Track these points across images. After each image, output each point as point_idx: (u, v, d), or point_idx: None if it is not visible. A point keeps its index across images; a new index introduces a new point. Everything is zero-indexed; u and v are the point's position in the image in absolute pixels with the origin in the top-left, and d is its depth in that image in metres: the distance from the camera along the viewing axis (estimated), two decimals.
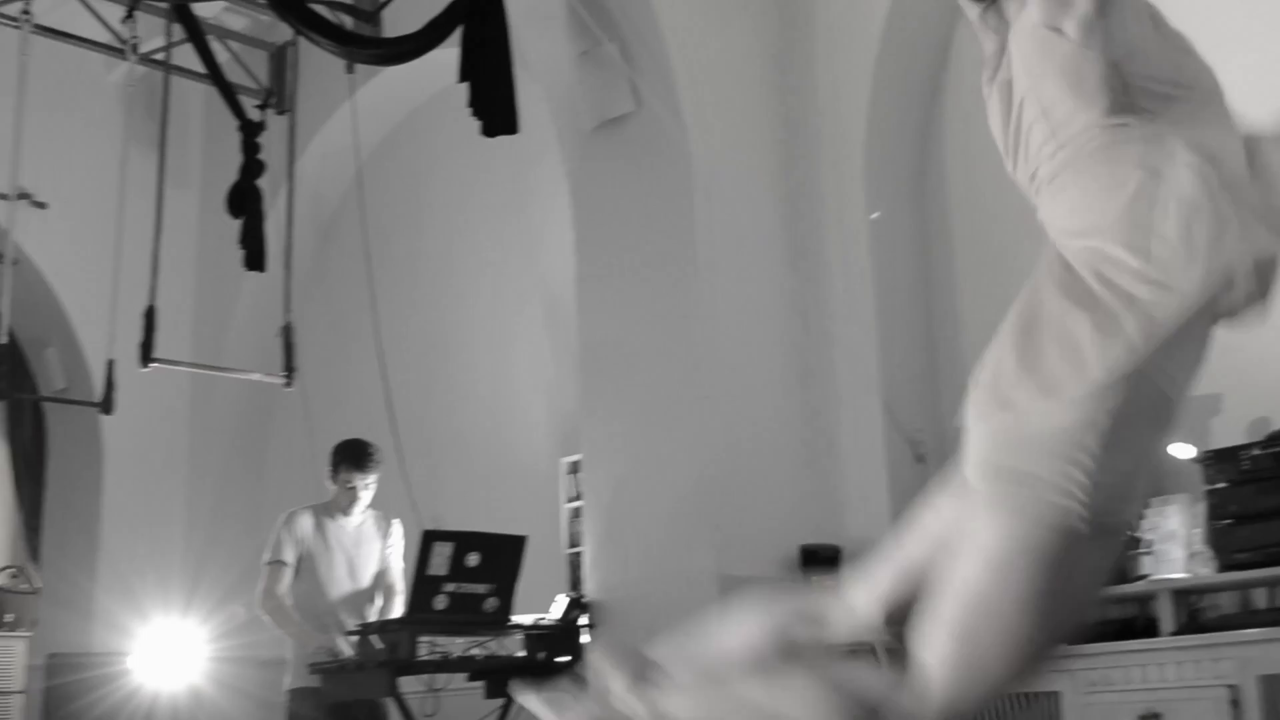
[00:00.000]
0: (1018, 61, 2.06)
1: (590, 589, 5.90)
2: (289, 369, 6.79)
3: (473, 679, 5.31)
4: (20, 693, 6.96)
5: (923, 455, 5.82)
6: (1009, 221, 5.84)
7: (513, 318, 7.39)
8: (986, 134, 6.42)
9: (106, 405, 6.65)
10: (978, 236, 6.00)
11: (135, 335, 6.49)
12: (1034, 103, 2.04)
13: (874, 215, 5.74)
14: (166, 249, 6.91)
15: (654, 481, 5.70)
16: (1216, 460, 4.86)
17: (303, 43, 6.66)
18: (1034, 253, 5.94)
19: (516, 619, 5.37)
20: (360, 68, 6.87)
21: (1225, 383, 5.16)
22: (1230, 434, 5.04)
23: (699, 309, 5.64)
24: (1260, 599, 4.98)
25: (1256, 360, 5.06)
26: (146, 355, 6.51)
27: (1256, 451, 4.79)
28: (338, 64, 6.73)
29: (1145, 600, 5.08)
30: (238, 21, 8.27)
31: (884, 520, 5.69)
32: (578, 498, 6.49)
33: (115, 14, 7.40)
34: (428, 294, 7.86)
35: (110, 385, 6.61)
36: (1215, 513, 4.84)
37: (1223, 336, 5.24)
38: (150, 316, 6.54)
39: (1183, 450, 5.10)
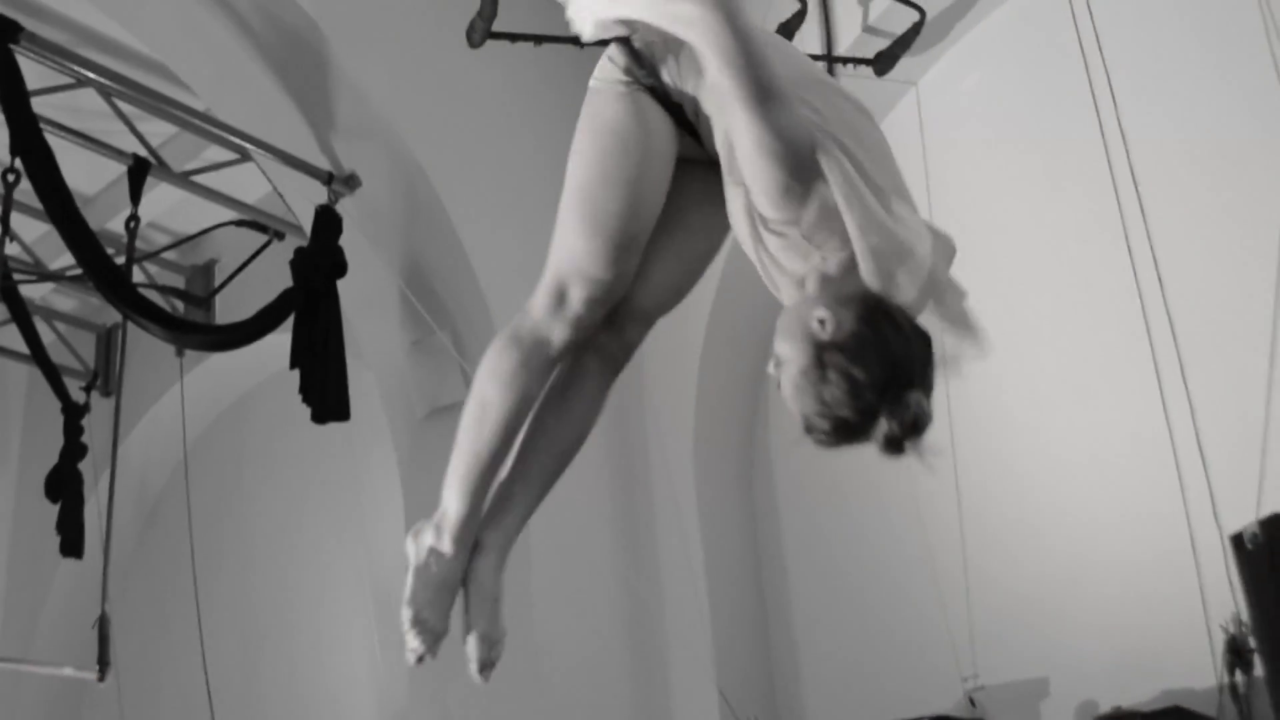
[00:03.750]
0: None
1: None
2: (103, 663, 6.45)
3: None
4: None
5: None
6: (834, 504, 5.97)
7: (342, 608, 7.20)
8: None
9: None
10: (805, 519, 6.09)
11: None
12: None
13: None
14: None
15: None
16: None
17: (131, 325, 6.61)
18: (860, 547, 5.99)
19: None
20: (190, 351, 6.83)
21: (1052, 666, 5.26)
22: (1059, 718, 5.09)
23: (530, 597, 5.56)
24: None
25: (1082, 643, 5.17)
26: None
27: None
28: (167, 347, 6.68)
29: None
30: (66, 303, 8.21)
31: None
32: None
33: None
34: (254, 583, 7.64)
35: None
36: None
37: (1048, 621, 5.37)
38: None
39: None
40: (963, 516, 5.43)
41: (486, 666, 2.50)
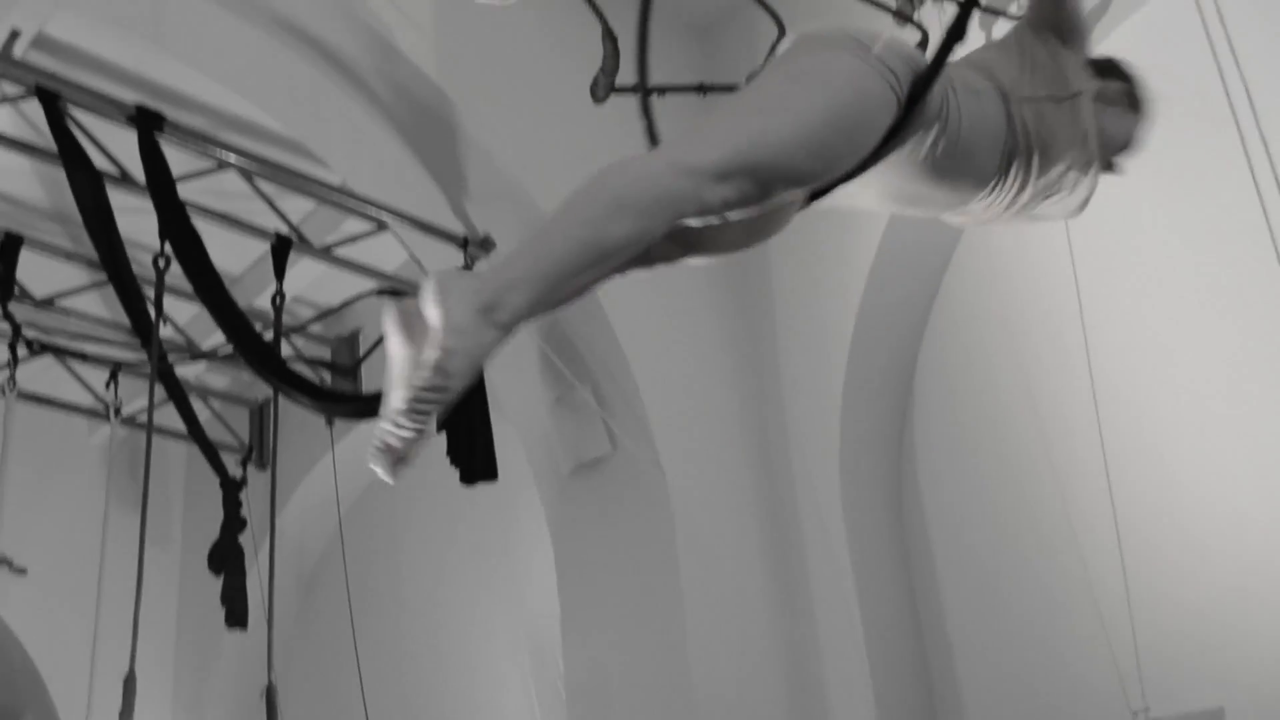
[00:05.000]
0: None
1: None
2: None
3: None
4: None
5: None
6: (986, 526, 5.86)
7: (499, 663, 7.26)
8: (958, 450, 6.45)
9: None
10: (956, 543, 5.99)
11: (113, 701, 6.31)
12: None
13: None
14: (146, 609, 6.80)
15: None
16: None
17: (283, 398, 6.78)
18: (1015, 570, 5.83)
19: None
20: (340, 420, 6.98)
21: (1226, 694, 5.07)
22: None
23: (686, 646, 5.55)
24: None
25: (1258, 673, 4.97)
26: None
27: None
28: (318, 418, 6.83)
29: None
30: (219, 380, 8.45)
31: None
32: None
33: (98, 379, 7.57)
34: (412, 644, 7.74)
35: None
36: None
37: (1220, 643, 5.17)
38: (130, 684, 6.39)
39: None
40: (1120, 531, 5.27)
41: (399, 461, 2.09)
